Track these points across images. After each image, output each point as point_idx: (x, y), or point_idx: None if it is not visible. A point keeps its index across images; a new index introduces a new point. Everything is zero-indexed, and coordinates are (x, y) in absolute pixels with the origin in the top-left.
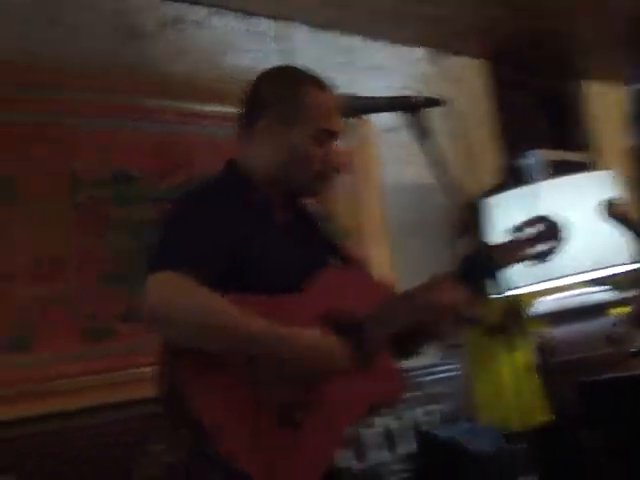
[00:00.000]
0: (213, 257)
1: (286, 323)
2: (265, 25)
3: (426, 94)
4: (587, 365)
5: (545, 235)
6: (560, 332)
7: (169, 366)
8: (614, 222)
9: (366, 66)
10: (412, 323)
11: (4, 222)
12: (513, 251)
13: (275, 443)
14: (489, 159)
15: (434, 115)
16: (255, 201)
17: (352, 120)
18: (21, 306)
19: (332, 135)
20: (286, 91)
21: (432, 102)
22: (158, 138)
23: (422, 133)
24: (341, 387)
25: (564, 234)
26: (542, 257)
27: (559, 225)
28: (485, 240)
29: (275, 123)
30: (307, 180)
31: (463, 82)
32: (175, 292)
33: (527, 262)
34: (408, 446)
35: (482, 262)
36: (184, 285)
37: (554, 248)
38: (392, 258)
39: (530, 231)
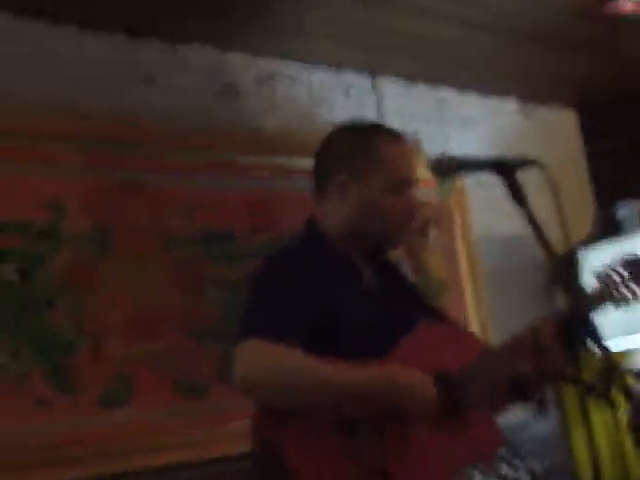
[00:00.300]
0: (301, 323)
1: None
2: (357, 79)
3: (517, 146)
4: None
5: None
6: None
7: (265, 425)
8: None
9: (457, 118)
10: (509, 377)
11: (102, 277)
12: (605, 295)
13: None
14: (583, 210)
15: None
16: (338, 260)
17: (446, 180)
18: (117, 362)
19: (409, 184)
20: (359, 144)
21: (527, 163)
22: (251, 194)
23: (517, 194)
24: (435, 444)
25: None
26: (636, 299)
27: None
28: (580, 293)
29: (349, 177)
30: (387, 232)
31: (555, 133)
32: (266, 359)
33: (621, 305)
34: None
35: (580, 317)
36: (274, 351)
37: None
38: (487, 310)
39: (622, 272)
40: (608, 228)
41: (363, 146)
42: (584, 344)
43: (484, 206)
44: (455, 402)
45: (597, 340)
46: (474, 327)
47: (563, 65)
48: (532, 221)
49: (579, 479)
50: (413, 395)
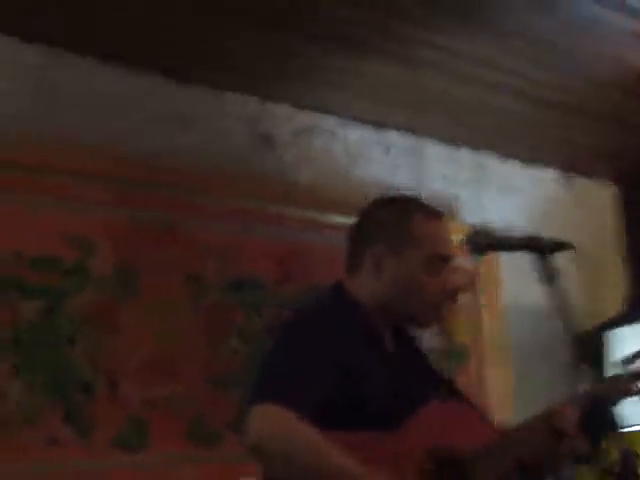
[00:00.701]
0: (319, 390)
1: (385, 460)
2: (396, 138)
3: (555, 217)
4: None
5: None
6: None
7: None
8: None
9: (496, 185)
10: (522, 460)
11: (125, 317)
12: (626, 386)
13: None
14: (617, 287)
15: (566, 237)
16: (365, 329)
17: (481, 256)
18: (133, 405)
19: (445, 261)
20: (396, 219)
21: (563, 246)
22: (282, 245)
23: (550, 277)
24: None
25: None
26: None
27: None
28: (600, 378)
29: (385, 251)
30: (422, 310)
31: (593, 206)
32: (277, 429)
33: None
34: None
35: (602, 405)
36: (286, 422)
37: None
38: (509, 381)
39: None
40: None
41: (401, 221)
42: (604, 431)
43: (515, 275)
44: None
45: (615, 428)
46: (494, 398)
47: (605, 138)
48: (560, 302)
49: None
50: None
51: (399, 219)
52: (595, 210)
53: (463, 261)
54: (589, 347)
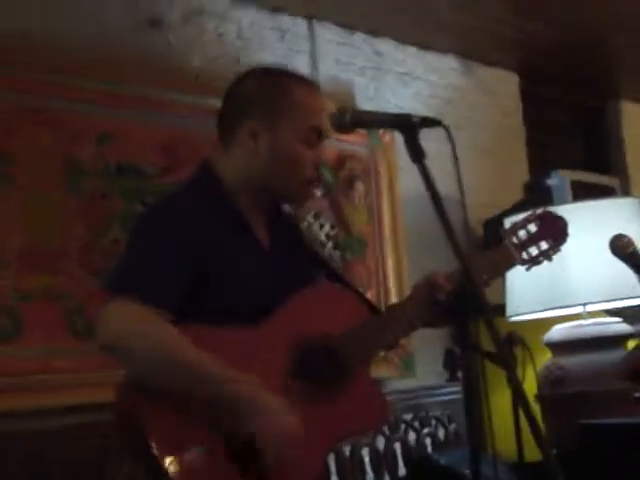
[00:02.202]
0: (174, 281)
1: (252, 351)
2: (291, 22)
3: (457, 104)
4: (594, 400)
5: (546, 232)
6: (570, 363)
7: (127, 395)
8: (620, 259)
9: (395, 71)
10: (392, 341)
11: None
12: (512, 253)
13: None
14: (517, 176)
15: (467, 126)
16: (228, 210)
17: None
18: (6, 295)
19: (321, 135)
20: (270, 90)
21: (432, 122)
22: (167, 132)
23: (416, 153)
24: (313, 415)
25: (566, 230)
26: (544, 256)
27: (561, 220)
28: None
29: (260, 125)
30: (296, 185)
31: (495, 95)
32: (127, 324)
33: (530, 263)
34: (397, 471)
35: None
36: (137, 317)
37: (556, 245)
38: (408, 269)
39: (530, 229)
40: (537, 196)
41: (277, 90)
42: (475, 308)
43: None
44: (338, 369)
45: (484, 308)
46: (392, 286)
47: (511, 25)
48: (429, 182)
49: (480, 448)
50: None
51: (273, 90)
52: (499, 100)
53: (358, 149)
54: (492, 234)
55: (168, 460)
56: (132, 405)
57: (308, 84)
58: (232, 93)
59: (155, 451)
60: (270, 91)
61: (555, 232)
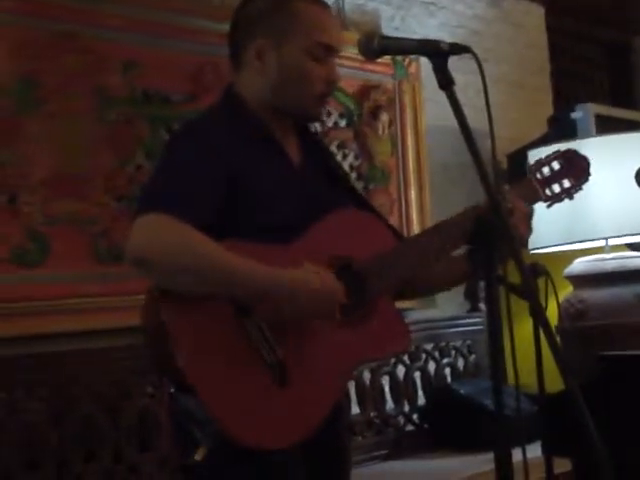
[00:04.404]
0: (206, 197)
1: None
2: None
3: (483, 36)
4: (615, 333)
5: (569, 171)
6: (591, 296)
7: (155, 307)
8: None
9: (421, 1)
10: (417, 268)
11: (26, 131)
12: (536, 189)
13: (265, 400)
14: (541, 109)
15: (492, 58)
16: (256, 129)
17: (375, 59)
18: (34, 220)
19: (330, 51)
20: (277, 6)
21: (461, 49)
22: (193, 59)
23: (445, 80)
24: (335, 336)
25: (588, 169)
26: (566, 194)
27: (584, 159)
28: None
29: (267, 41)
30: (307, 101)
31: (521, 27)
32: (158, 235)
33: (552, 200)
34: (417, 399)
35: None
36: (169, 228)
37: (578, 184)
38: (431, 201)
39: (554, 166)
40: (562, 130)
41: (282, 8)
42: (499, 240)
43: (438, 94)
44: (362, 293)
45: (509, 238)
46: (415, 216)
47: None
48: (457, 110)
49: (501, 379)
50: (315, 310)
51: (279, 6)
52: (523, 30)
53: (383, 79)
54: (516, 167)
55: (192, 371)
56: (158, 316)
57: (313, 1)
58: (238, 15)
59: (180, 362)
60: (274, 9)
61: (578, 171)
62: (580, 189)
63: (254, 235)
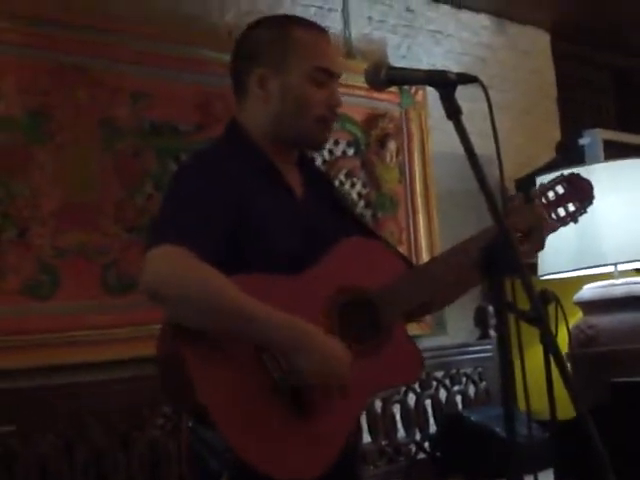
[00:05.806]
0: (215, 229)
1: (294, 300)
2: None
3: (489, 63)
4: (625, 359)
5: (573, 194)
6: (601, 322)
7: (171, 339)
8: None
9: (427, 29)
10: (429, 296)
11: (36, 162)
12: (539, 214)
13: (282, 430)
14: (549, 134)
15: (499, 84)
16: (259, 161)
17: (381, 88)
18: (43, 252)
19: (331, 75)
20: (275, 35)
21: (468, 79)
22: (200, 90)
23: (453, 109)
24: (352, 370)
25: (592, 192)
26: (571, 218)
27: (587, 183)
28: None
29: (268, 71)
30: (309, 125)
31: (527, 53)
32: (173, 270)
33: (557, 225)
34: (428, 427)
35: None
36: (183, 262)
37: (583, 207)
38: (439, 227)
39: (558, 190)
40: (570, 155)
41: (281, 35)
42: (508, 268)
43: (444, 121)
44: (375, 323)
45: (518, 266)
46: (423, 243)
47: None
48: (464, 139)
49: (513, 405)
50: (323, 367)
51: (278, 34)
52: (529, 57)
53: (390, 108)
54: (525, 193)
55: (209, 400)
56: (174, 348)
57: (311, 26)
58: (238, 46)
59: (201, 398)
60: (273, 37)
61: (582, 194)
62: (585, 212)
63: (257, 265)
